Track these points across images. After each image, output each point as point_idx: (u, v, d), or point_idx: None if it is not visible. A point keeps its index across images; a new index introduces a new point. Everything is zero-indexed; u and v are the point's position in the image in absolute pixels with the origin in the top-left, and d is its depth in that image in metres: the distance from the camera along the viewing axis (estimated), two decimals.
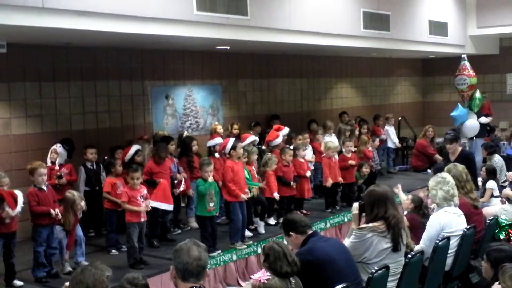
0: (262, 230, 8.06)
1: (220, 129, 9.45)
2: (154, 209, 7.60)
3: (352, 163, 9.51)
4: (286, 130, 9.26)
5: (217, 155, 8.36)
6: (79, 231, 6.81)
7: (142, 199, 6.86)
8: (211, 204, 7.12)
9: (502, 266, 3.71)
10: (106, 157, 8.16)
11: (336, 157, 9.44)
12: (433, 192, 5.76)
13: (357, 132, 11.29)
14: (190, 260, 3.35)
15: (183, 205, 8.82)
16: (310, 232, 4.72)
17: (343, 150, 9.81)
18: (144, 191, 6.98)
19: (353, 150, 9.83)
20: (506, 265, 3.70)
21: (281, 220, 8.40)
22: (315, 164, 10.04)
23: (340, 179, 9.24)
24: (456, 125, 12.28)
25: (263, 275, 3.92)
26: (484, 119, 12.94)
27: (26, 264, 6.64)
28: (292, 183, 8.57)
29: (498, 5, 13.69)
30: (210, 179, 7.09)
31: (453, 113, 12.11)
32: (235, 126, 10.14)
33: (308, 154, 9.70)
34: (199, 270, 3.39)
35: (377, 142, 11.27)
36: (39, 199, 6.36)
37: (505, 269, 3.66)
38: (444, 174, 5.92)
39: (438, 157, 12.19)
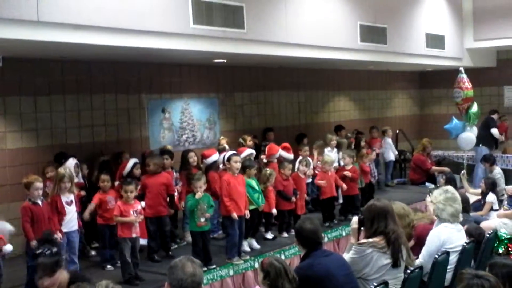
0: (247, 248, 7.88)
1: (225, 143, 9.29)
2: (151, 223, 7.56)
3: (348, 174, 9.49)
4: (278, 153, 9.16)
5: (221, 166, 8.29)
6: (75, 243, 6.77)
7: (136, 214, 6.78)
8: (202, 219, 7.06)
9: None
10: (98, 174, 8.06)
11: (333, 170, 9.42)
12: (440, 207, 5.67)
13: (352, 146, 11.30)
14: (185, 277, 3.33)
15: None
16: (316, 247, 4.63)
17: (341, 163, 9.81)
18: (139, 206, 6.90)
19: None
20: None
21: (284, 234, 8.53)
22: (312, 177, 9.97)
23: (344, 186, 9.34)
24: (452, 137, 12.29)
25: None
26: (495, 131, 13.01)
27: (19, 279, 6.55)
28: (292, 197, 8.52)
29: (495, 18, 13.70)
30: (198, 195, 7.02)
31: (447, 126, 12.13)
32: (248, 139, 9.88)
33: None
34: (194, 286, 3.37)
35: (373, 155, 11.23)
36: (33, 214, 6.29)
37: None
38: (452, 190, 5.84)
39: (435, 168, 12.17)
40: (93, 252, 7.91)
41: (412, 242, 5.75)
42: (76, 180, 7.47)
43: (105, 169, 7.92)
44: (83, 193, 7.76)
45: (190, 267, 3.36)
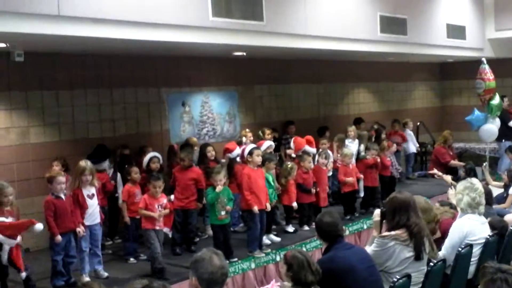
0: (267, 241, 7.90)
1: (250, 137, 9.25)
2: (177, 215, 7.60)
3: (377, 159, 9.70)
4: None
5: (238, 159, 8.30)
6: (97, 236, 6.84)
7: (160, 208, 6.83)
8: (223, 213, 7.09)
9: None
10: (126, 166, 8.09)
11: (354, 162, 9.40)
12: (459, 197, 5.64)
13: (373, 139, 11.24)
14: (215, 270, 3.33)
15: None
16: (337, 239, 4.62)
17: (367, 156, 9.73)
18: (164, 200, 6.95)
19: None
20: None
21: (305, 227, 8.53)
22: (332, 170, 9.94)
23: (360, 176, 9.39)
24: (473, 129, 12.15)
25: (272, 286, 3.87)
26: None
27: (44, 273, 6.63)
28: (312, 189, 8.51)
29: None
30: (218, 188, 7.03)
31: (468, 118, 11.99)
32: (267, 132, 9.91)
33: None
34: (223, 279, 3.38)
35: (394, 148, 11.15)
36: (56, 208, 6.35)
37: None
38: (474, 181, 5.78)
39: (454, 162, 12.03)
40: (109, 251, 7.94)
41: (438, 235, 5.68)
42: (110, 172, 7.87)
43: (128, 163, 7.98)
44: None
45: (217, 259, 3.36)
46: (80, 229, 6.50)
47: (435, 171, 8.87)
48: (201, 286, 3.33)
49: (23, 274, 6.07)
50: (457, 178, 8.97)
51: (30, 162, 8.06)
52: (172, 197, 7.57)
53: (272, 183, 7.92)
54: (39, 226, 6.03)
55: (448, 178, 7.92)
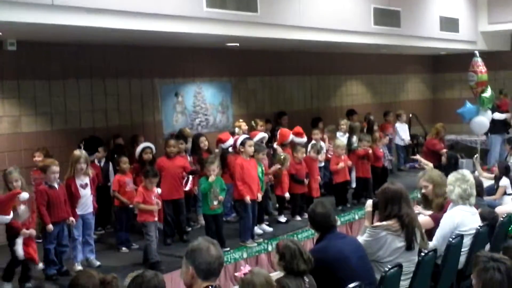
0: (259, 231, 7.95)
1: (244, 126, 9.30)
2: (167, 206, 7.60)
3: (369, 151, 9.69)
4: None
5: (230, 149, 8.31)
6: (90, 225, 6.84)
7: (156, 199, 6.86)
8: (215, 202, 7.11)
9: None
10: (116, 155, 8.09)
11: (345, 154, 9.44)
12: (450, 188, 5.67)
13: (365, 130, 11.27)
14: (212, 260, 3.34)
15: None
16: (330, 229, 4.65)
17: (359, 146, 9.76)
18: (156, 191, 6.96)
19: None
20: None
21: (297, 217, 8.54)
22: (324, 161, 9.97)
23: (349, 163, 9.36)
24: (465, 122, 12.20)
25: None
26: (498, 115, 12.84)
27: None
28: (305, 180, 8.55)
29: (510, 1, 13.53)
30: (211, 178, 7.04)
31: (459, 110, 12.04)
32: (260, 123, 9.91)
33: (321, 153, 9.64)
34: (220, 268, 3.41)
35: (386, 139, 11.21)
36: (49, 198, 6.34)
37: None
38: (465, 172, 5.83)
39: (444, 151, 12.08)
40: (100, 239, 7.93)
41: (430, 223, 5.74)
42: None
43: (119, 153, 7.97)
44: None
45: (214, 250, 3.37)
46: (72, 218, 6.50)
47: (418, 157, 9.02)
48: (198, 276, 3.34)
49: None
50: (440, 166, 9.07)
51: (22, 151, 8.05)
52: (159, 190, 7.53)
53: (261, 175, 7.88)
54: (24, 194, 5.97)
55: (430, 165, 8.13)
